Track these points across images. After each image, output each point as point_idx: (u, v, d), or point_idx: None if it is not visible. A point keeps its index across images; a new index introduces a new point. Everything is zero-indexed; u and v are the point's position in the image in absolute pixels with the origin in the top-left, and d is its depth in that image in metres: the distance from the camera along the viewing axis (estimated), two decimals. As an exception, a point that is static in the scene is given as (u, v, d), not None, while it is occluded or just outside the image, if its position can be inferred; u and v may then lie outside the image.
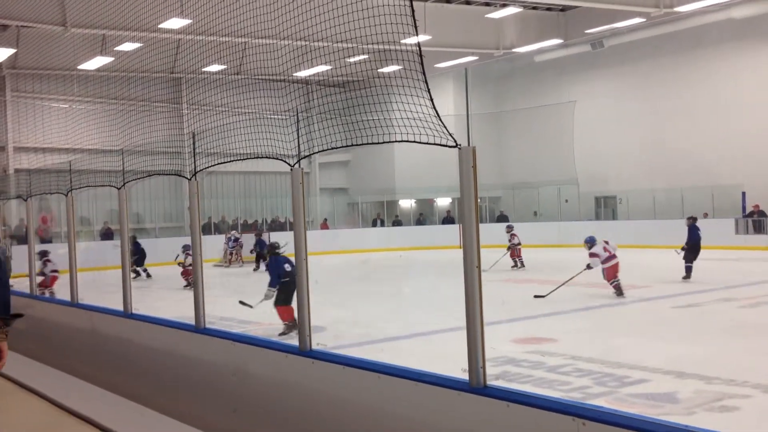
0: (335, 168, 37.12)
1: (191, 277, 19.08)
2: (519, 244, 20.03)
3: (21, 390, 7.41)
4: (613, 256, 13.71)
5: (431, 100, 4.07)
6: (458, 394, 3.82)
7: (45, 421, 6.36)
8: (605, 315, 12.24)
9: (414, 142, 4.08)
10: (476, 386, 3.81)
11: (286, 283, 9.93)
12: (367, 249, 28.74)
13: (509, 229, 20.50)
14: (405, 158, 33.66)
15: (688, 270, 15.97)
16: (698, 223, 16.77)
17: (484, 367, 3.83)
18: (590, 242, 13.98)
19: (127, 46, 24.99)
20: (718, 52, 27.20)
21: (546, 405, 3.41)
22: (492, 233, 20.56)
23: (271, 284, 10.27)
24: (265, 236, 24.41)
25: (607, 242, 13.91)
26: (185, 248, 17.47)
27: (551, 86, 32.09)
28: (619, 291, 13.54)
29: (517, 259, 20.02)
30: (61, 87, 29.12)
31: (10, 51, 25.75)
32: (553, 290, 13.63)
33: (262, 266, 20.23)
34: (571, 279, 13.95)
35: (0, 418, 6.55)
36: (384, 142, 4.41)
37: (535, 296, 13.57)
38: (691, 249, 16.11)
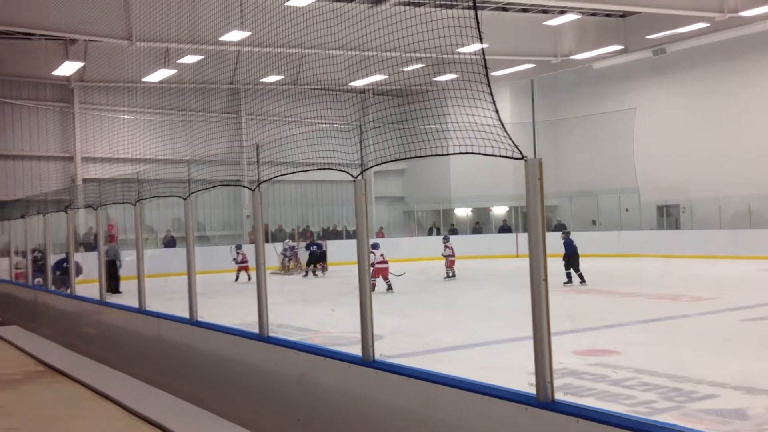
0: (391, 176, 37.22)
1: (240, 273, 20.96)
2: (452, 255, 20.68)
3: (97, 396, 7.63)
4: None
5: (496, 111, 4.05)
6: (525, 409, 3.77)
7: (118, 427, 6.54)
8: (670, 327, 11.92)
9: (480, 154, 4.06)
10: (544, 401, 3.76)
11: None
12: (424, 257, 28.68)
13: (445, 240, 21.36)
14: (461, 166, 33.50)
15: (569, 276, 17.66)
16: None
17: (551, 382, 3.78)
18: None
19: (189, 59, 25.61)
20: (786, 57, 26.33)
21: (618, 422, 3.33)
22: (549, 243, 20.33)
23: None
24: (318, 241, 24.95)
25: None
26: (237, 247, 22.09)
27: (610, 93, 31.55)
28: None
29: (449, 270, 20.66)
30: (126, 99, 30.02)
31: (79, 64, 26.69)
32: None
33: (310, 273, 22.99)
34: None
35: (77, 424, 6.76)
36: (449, 154, 4.40)
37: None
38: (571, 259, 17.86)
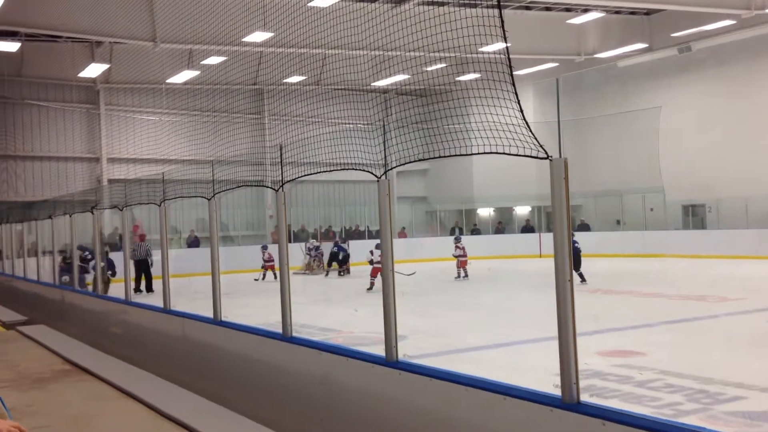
0: (414, 176, 37.20)
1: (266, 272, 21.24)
2: (464, 256, 20.71)
3: (122, 395, 7.72)
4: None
5: (521, 111, 4.03)
6: (550, 410, 3.74)
7: (144, 426, 6.60)
8: (696, 328, 11.78)
9: (505, 153, 4.04)
10: (569, 402, 3.73)
11: None
12: (447, 258, 28.63)
13: (456, 241, 21.35)
14: (483, 166, 33.39)
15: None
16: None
17: (577, 383, 3.75)
18: None
19: (213, 60, 25.80)
20: (815, 54, 25.90)
21: (645, 424, 3.30)
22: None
23: None
24: (343, 244, 25.03)
25: None
26: (263, 248, 22.35)
27: (635, 92, 31.25)
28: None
29: (461, 270, 20.63)
30: (150, 100, 30.33)
31: (105, 66, 27.01)
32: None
33: (332, 273, 23.50)
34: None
35: (104, 422, 6.84)
36: (474, 154, 4.38)
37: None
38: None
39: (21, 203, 21.71)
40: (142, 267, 19.17)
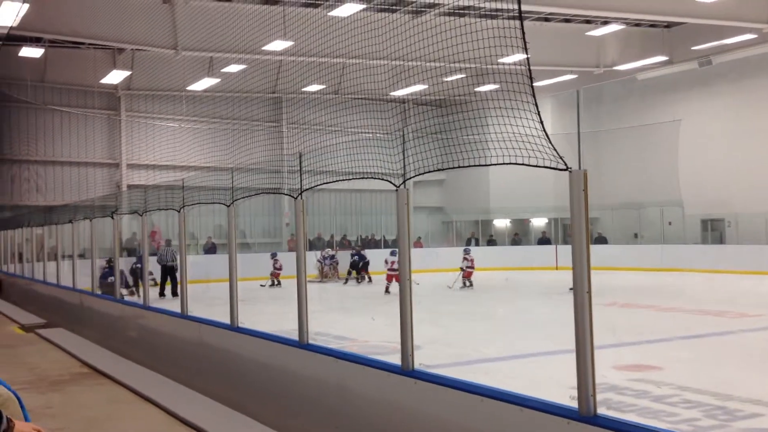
0: (431, 187, 37.21)
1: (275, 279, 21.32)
2: (471, 267, 21.23)
3: (139, 399, 7.77)
4: None
5: (541, 122, 4.04)
6: (567, 422, 3.73)
7: (160, 429, 6.65)
8: (714, 344, 11.67)
9: (524, 165, 4.05)
10: (586, 415, 3.71)
11: None
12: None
13: (465, 252, 21.91)
14: (500, 177, 33.34)
15: None
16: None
17: (594, 396, 3.74)
18: None
19: (233, 68, 26.00)
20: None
21: (662, 438, 3.28)
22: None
23: None
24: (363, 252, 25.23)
25: None
26: (272, 255, 23.00)
27: (654, 105, 31.10)
28: None
29: (466, 280, 21.11)
30: (170, 107, 30.61)
31: (126, 73, 27.31)
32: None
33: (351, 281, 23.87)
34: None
35: (120, 425, 6.89)
36: (493, 164, 4.40)
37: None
38: None
39: (42, 207, 21.95)
40: (169, 272, 19.30)
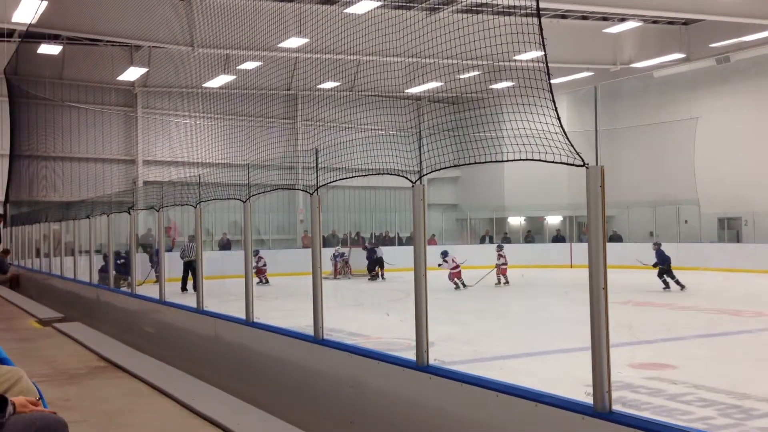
0: (445, 184, 37.18)
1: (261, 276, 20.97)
2: (505, 264, 21.46)
3: (155, 392, 7.85)
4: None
5: (558, 119, 4.04)
6: (582, 418, 3.74)
7: (176, 422, 6.71)
8: (730, 342, 11.60)
9: (541, 161, 4.05)
10: (601, 411, 3.72)
11: None
12: (477, 266, 28.55)
13: (498, 249, 22.02)
14: (515, 175, 33.27)
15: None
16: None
17: (609, 392, 3.74)
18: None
19: (249, 65, 26.09)
20: None
21: (678, 434, 3.29)
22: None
23: None
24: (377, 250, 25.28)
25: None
26: (255, 252, 21.78)
27: (671, 102, 30.90)
28: None
29: (501, 277, 21.34)
30: (186, 104, 30.77)
31: (143, 70, 27.49)
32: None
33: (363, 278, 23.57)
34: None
35: (137, 418, 6.96)
36: (509, 161, 4.40)
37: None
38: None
39: (59, 203, 22.15)
40: (191, 267, 19.45)
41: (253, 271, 21.89)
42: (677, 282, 18.56)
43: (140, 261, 17.23)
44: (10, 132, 26.90)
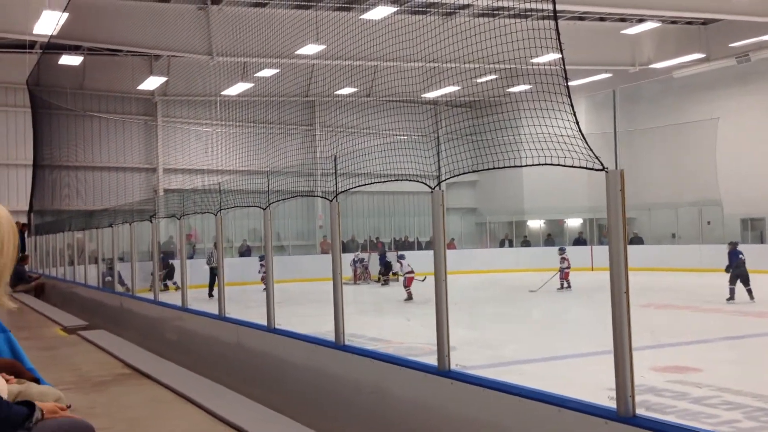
0: (464, 188, 37.10)
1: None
2: (568, 267, 21.04)
3: (179, 399, 7.91)
4: None
5: (577, 123, 4.04)
6: (605, 423, 3.73)
7: (201, 428, 6.76)
8: (755, 345, 11.48)
9: (559, 165, 4.05)
10: (624, 415, 3.70)
11: None
12: (497, 269, 28.50)
13: (561, 252, 21.70)
14: (534, 178, 33.13)
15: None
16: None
17: (633, 396, 3.72)
18: None
19: (266, 72, 26.26)
20: None
21: (703, 438, 3.26)
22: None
23: None
24: (389, 255, 25.38)
25: None
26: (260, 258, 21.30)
27: (691, 103, 30.63)
28: None
29: (564, 281, 20.92)
30: (205, 112, 31.01)
31: (162, 79, 27.76)
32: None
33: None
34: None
35: (162, 425, 7.02)
36: (528, 165, 4.41)
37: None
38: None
39: (82, 212, 22.40)
40: (216, 273, 19.68)
41: (260, 278, 22.03)
42: (749, 291, 16.05)
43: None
44: (33, 142, 27.26)
